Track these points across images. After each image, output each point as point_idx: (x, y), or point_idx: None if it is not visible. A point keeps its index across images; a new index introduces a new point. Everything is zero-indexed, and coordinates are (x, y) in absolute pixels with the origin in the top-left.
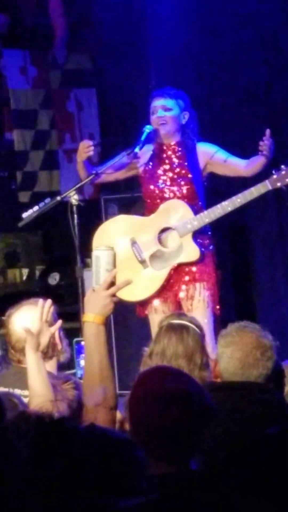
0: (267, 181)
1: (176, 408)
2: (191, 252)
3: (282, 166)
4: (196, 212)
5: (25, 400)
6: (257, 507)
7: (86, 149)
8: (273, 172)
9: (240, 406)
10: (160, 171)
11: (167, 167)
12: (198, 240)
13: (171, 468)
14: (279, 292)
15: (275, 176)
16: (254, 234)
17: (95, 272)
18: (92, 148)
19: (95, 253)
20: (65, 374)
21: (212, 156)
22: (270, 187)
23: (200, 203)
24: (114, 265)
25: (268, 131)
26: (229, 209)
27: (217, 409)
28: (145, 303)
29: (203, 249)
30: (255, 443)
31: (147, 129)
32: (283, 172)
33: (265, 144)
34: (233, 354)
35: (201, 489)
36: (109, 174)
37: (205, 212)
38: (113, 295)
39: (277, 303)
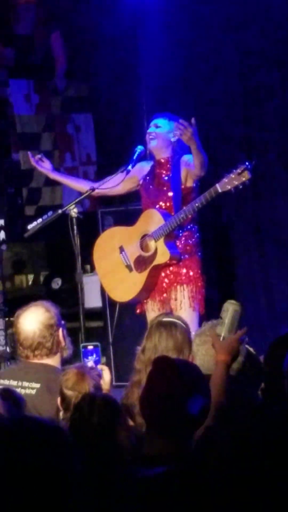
0: (217, 185)
1: (174, 378)
2: (162, 254)
3: (233, 170)
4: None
5: (33, 392)
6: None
7: (35, 159)
8: (225, 175)
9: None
10: (152, 185)
11: (157, 181)
12: (181, 246)
13: (171, 447)
14: (256, 287)
15: (225, 180)
16: (233, 231)
17: (231, 323)
18: (38, 157)
19: (236, 307)
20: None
21: (187, 164)
22: (220, 190)
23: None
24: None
25: (193, 120)
26: (190, 213)
27: None
28: (141, 302)
29: (180, 252)
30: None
31: (138, 149)
32: (232, 175)
33: (178, 127)
34: (208, 351)
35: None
36: (110, 188)
37: (172, 218)
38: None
39: (255, 299)
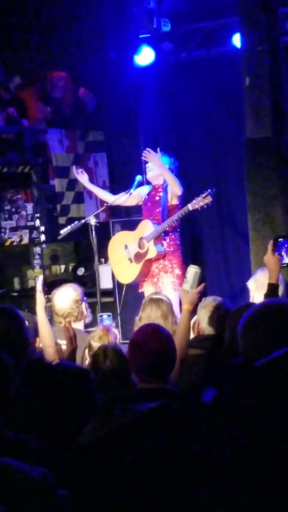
0: (189, 205)
1: (155, 342)
2: (151, 252)
3: (200, 194)
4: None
5: (64, 346)
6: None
7: (77, 171)
8: (195, 198)
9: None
10: (149, 203)
11: (152, 200)
12: (166, 246)
13: (153, 385)
14: (220, 273)
15: (194, 201)
16: (205, 235)
17: (192, 281)
18: (80, 170)
19: (196, 270)
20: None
21: (171, 189)
22: (190, 209)
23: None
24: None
25: (158, 149)
26: (172, 223)
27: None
28: (140, 284)
29: (165, 250)
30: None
31: (138, 178)
32: (199, 199)
33: (144, 153)
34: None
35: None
36: (122, 203)
37: (159, 226)
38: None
39: (219, 281)
